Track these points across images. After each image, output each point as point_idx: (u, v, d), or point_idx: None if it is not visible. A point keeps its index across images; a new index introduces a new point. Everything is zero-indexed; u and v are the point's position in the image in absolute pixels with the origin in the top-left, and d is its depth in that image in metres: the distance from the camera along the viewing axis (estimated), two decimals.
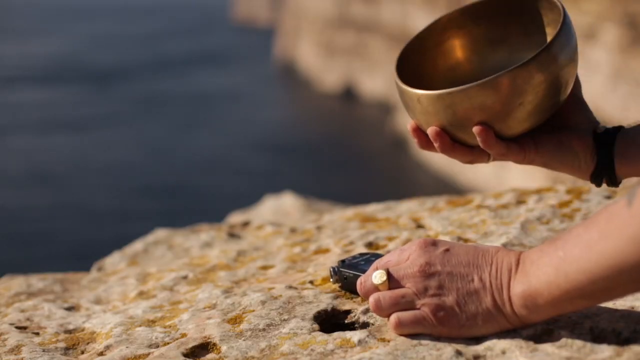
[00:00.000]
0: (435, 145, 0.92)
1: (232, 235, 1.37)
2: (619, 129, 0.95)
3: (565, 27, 0.89)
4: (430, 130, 0.91)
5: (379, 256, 0.97)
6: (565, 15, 0.90)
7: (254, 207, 2.58)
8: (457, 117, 0.88)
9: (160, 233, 1.43)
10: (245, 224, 1.44)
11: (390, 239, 1.18)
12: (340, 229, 1.29)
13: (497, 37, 1.02)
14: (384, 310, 0.83)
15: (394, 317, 0.82)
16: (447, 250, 0.81)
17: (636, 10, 14.48)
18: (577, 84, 0.96)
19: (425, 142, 0.94)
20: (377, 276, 0.83)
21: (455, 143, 0.92)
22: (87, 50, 36.20)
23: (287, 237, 1.28)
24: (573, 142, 0.94)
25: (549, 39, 0.93)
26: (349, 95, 27.96)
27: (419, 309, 0.80)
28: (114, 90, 28.74)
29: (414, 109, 0.92)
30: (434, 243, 0.82)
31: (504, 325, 0.78)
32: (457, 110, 0.88)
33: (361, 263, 0.96)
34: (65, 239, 15.40)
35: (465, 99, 0.87)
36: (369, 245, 1.17)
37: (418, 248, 0.82)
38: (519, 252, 0.79)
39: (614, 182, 0.96)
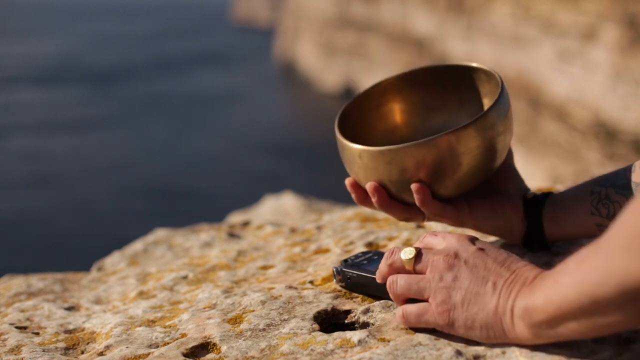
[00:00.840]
0: (373, 200, 0.95)
1: (232, 235, 1.37)
2: (547, 195, 1.00)
3: (503, 97, 0.94)
4: (369, 186, 0.94)
5: (381, 254, 0.97)
6: (502, 87, 0.95)
7: (254, 207, 2.58)
8: (396, 174, 0.92)
9: (160, 233, 1.43)
10: (245, 224, 1.44)
11: (391, 238, 1.18)
12: (340, 228, 1.29)
13: (434, 104, 1.08)
14: (397, 292, 0.83)
15: (400, 310, 0.83)
16: (481, 250, 0.80)
17: (636, 10, 14.48)
18: (510, 153, 1.01)
19: (363, 198, 0.98)
20: (407, 251, 0.83)
21: (392, 200, 0.95)
22: (87, 50, 36.20)
23: (287, 237, 1.29)
24: (505, 206, 0.99)
25: (485, 108, 1.00)
26: (349, 95, 27.96)
27: (427, 300, 0.81)
28: (114, 90, 28.75)
29: (353, 164, 0.96)
30: (472, 240, 0.82)
31: (501, 337, 0.77)
32: (396, 167, 0.91)
33: (364, 262, 0.96)
34: (65, 239, 15.40)
35: (406, 157, 0.90)
36: (369, 245, 1.17)
37: (457, 239, 0.82)
38: (543, 269, 0.77)
39: (544, 246, 1.01)
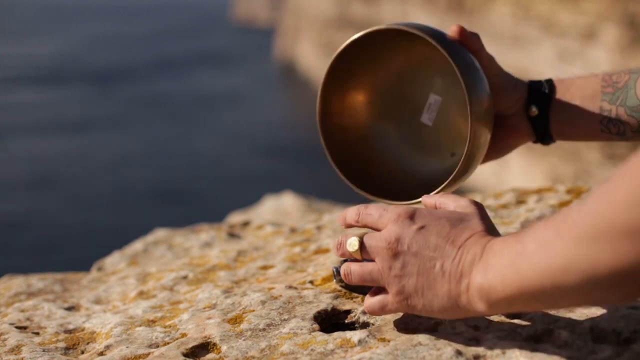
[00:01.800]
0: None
1: (232, 235, 1.37)
2: (549, 100, 1.00)
3: (467, 158, 0.94)
4: None
5: None
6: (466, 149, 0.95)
7: (254, 207, 2.58)
8: None
9: (160, 233, 1.43)
10: (245, 224, 1.44)
11: None
12: (340, 228, 1.29)
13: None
14: (352, 282, 0.84)
15: (365, 305, 0.84)
16: (422, 228, 0.78)
17: (636, 10, 14.49)
18: (495, 71, 1.01)
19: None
20: (351, 243, 0.83)
21: None
22: (87, 50, 36.19)
23: (287, 237, 1.28)
24: (509, 142, 1.03)
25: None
26: None
27: (384, 288, 0.81)
28: (114, 90, 28.74)
29: None
30: (412, 216, 0.80)
31: (461, 315, 0.76)
32: None
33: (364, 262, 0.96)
34: (65, 239, 15.39)
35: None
36: None
37: (394, 221, 0.80)
38: (490, 239, 0.75)
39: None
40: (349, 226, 0.88)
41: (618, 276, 0.61)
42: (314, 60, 30.72)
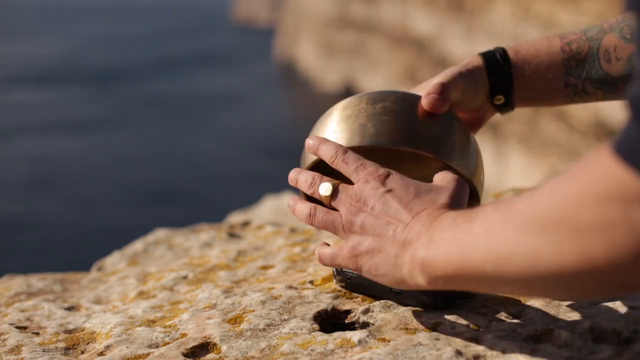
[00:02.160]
0: None
1: (232, 235, 1.37)
2: (511, 84, 0.97)
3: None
4: None
5: None
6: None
7: (254, 207, 2.58)
8: None
9: (160, 233, 1.43)
10: (245, 224, 1.44)
11: None
12: None
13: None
14: (314, 224, 0.84)
15: (316, 252, 0.85)
16: (389, 191, 0.79)
17: None
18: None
19: None
20: (325, 187, 0.83)
21: None
22: (87, 50, 36.20)
23: (287, 237, 1.28)
24: (475, 127, 1.01)
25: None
26: (349, 95, 27.90)
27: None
28: (114, 91, 28.75)
29: None
30: (383, 179, 0.80)
31: (403, 284, 0.76)
32: None
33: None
34: (66, 239, 15.39)
35: None
36: None
37: (365, 180, 0.81)
38: (442, 212, 0.74)
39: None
40: (316, 156, 0.87)
41: (559, 276, 0.58)
42: (314, 60, 30.72)
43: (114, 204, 17.39)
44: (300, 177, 0.88)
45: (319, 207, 0.84)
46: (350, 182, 0.83)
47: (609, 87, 0.98)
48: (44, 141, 22.25)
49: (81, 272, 1.25)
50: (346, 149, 0.85)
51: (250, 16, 44.90)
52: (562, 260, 0.57)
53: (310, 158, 0.91)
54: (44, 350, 0.90)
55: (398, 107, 0.88)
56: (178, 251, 1.32)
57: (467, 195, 0.83)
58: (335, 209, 0.83)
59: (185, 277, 1.11)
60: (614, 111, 14.56)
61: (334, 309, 0.92)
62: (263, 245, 1.25)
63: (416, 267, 0.73)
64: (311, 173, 0.87)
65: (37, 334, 0.96)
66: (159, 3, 55.68)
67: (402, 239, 0.75)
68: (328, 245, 0.85)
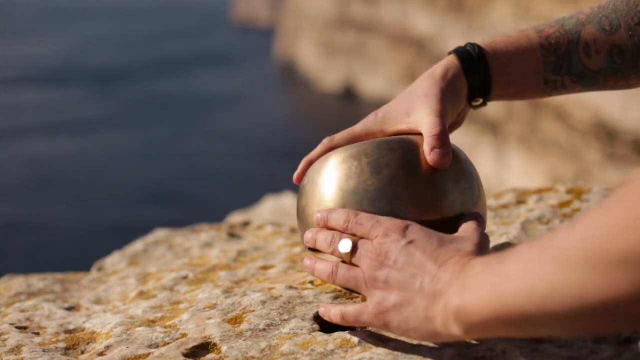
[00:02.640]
0: None
1: (232, 235, 1.37)
2: (489, 87, 0.95)
3: None
4: None
5: None
6: None
7: (254, 207, 2.58)
8: None
9: (160, 233, 1.43)
10: (245, 224, 1.44)
11: None
12: None
13: None
14: (336, 282, 0.83)
15: (339, 311, 0.82)
16: (410, 242, 0.77)
17: None
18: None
19: None
20: (344, 244, 0.82)
21: None
22: (87, 51, 36.21)
23: (287, 237, 1.28)
24: (453, 127, 0.99)
25: None
26: (349, 95, 27.96)
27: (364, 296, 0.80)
28: (114, 91, 28.75)
29: None
30: (403, 231, 0.78)
31: (435, 338, 0.73)
32: None
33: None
34: (66, 239, 15.39)
35: None
36: None
37: (384, 234, 0.79)
38: (471, 258, 0.72)
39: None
40: (330, 229, 0.86)
41: (609, 306, 0.56)
42: (314, 60, 30.72)
43: (114, 204, 17.39)
44: (318, 236, 0.86)
45: (341, 264, 0.82)
46: None
47: (588, 81, 0.96)
48: (44, 141, 22.25)
49: (81, 272, 1.25)
50: (357, 212, 0.83)
51: (250, 16, 44.90)
52: (611, 290, 0.55)
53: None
54: (44, 350, 0.90)
55: (404, 174, 0.86)
56: (178, 251, 1.32)
57: (489, 244, 0.81)
58: (356, 266, 0.81)
59: (185, 277, 1.11)
60: (614, 111, 14.56)
61: None
62: (263, 245, 1.25)
63: (450, 317, 0.69)
64: (330, 231, 0.85)
65: (37, 334, 0.96)
66: (159, 3, 55.67)
67: (432, 290, 0.72)
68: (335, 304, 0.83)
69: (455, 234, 0.80)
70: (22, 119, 24.48)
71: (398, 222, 0.80)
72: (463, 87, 0.94)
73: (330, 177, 0.89)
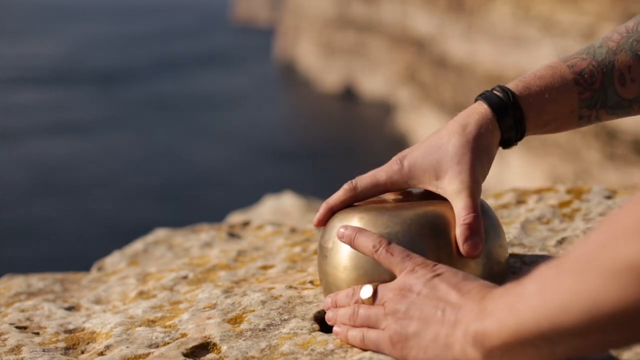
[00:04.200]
0: None
1: (232, 235, 1.36)
2: (523, 133, 0.92)
3: None
4: None
5: None
6: None
7: (254, 207, 2.58)
8: None
9: (160, 233, 1.43)
10: (245, 224, 1.44)
11: None
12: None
13: None
14: (356, 324, 0.81)
15: (360, 334, 0.80)
16: (437, 276, 0.76)
17: (636, 10, 14.48)
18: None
19: None
20: (365, 290, 0.81)
21: None
22: (87, 51, 36.22)
23: (287, 237, 1.28)
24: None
25: None
26: (349, 95, 27.97)
27: (383, 329, 0.78)
28: (114, 91, 28.76)
29: None
30: (432, 267, 0.78)
31: None
32: None
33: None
34: (66, 239, 15.40)
35: None
36: None
37: (411, 270, 0.78)
38: (494, 287, 0.72)
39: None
40: (354, 247, 0.84)
41: (622, 315, 0.55)
42: (314, 60, 30.72)
43: (115, 204, 17.39)
44: (339, 297, 0.85)
45: (362, 305, 0.81)
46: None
47: (623, 111, 0.93)
48: (44, 142, 22.25)
49: (81, 272, 1.25)
50: (390, 241, 0.82)
51: (250, 16, 44.91)
52: (623, 298, 0.54)
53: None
54: (44, 350, 0.90)
55: (434, 259, 0.83)
56: (178, 251, 1.32)
57: None
58: None
59: (185, 277, 1.11)
60: None
61: None
62: (263, 245, 1.25)
63: (469, 342, 0.69)
64: (349, 290, 0.84)
65: (37, 334, 0.96)
66: (159, 3, 55.66)
67: (452, 318, 0.71)
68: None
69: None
70: (22, 120, 24.48)
71: (428, 261, 0.79)
72: (496, 141, 0.91)
73: (357, 256, 0.86)
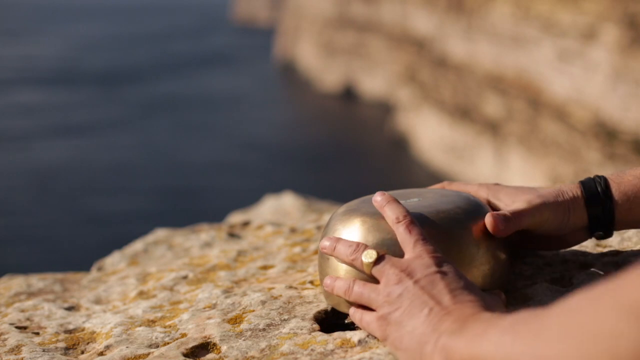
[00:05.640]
0: None
1: (232, 235, 1.36)
2: (612, 221, 0.93)
3: None
4: None
5: None
6: None
7: (254, 207, 2.57)
8: None
9: (160, 233, 1.43)
10: (245, 224, 1.44)
11: None
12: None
13: None
14: (350, 298, 0.83)
15: (358, 314, 0.82)
16: (440, 273, 0.77)
17: (636, 10, 14.49)
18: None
19: None
20: (368, 254, 0.82)
21: None
22: (88, 52, 36.21)
23: (287, 237, 1.28)
24: (570, 243, 0.98)
25: None
26: (349, 95, 27.97)
27: (375, 309, 0.80)
28: (115, 92, 28.76)
29: None
30: (439, 263, 0.79)
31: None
32: None
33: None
34: (66, 239, 15.40)
35: None
36: None
37: (419, 255, 0.80)
38: (484, 309, 0.73)
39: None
40: (383, 212, 0.85)
41: None
42: (314, 60, 30.72)
43: (115, 204, 17.39)
44: (338, 245, 0.86)
45: (358, 281, 0.82)
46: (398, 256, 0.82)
47: None
48: (45, 142, 22.25)
49: (81, 272, 1.25)
50: (413, 219, 0.83)
51: (250, 16, 44.91)
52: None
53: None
54: (44, 350, 0.90)
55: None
56: (178, 251, 1.32)
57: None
58: (374, 280, 0.81)
59: (185, 277, 1.11)
60: (614, 111, 14.56)
61: (334, 309, 0.92)
62: (263, 245, 1.25)
63: (438, 349, 0.71)
64: (354, 242, 0.85)
65: (37, 334, 0.96)
66: (159, 3, 55.66)
67: (435, 322, 0.73)
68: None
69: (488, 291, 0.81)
70: (22, 120, 24.48)
71: (438, 253, 0.80)
72: (577, 212, 0.93)
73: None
